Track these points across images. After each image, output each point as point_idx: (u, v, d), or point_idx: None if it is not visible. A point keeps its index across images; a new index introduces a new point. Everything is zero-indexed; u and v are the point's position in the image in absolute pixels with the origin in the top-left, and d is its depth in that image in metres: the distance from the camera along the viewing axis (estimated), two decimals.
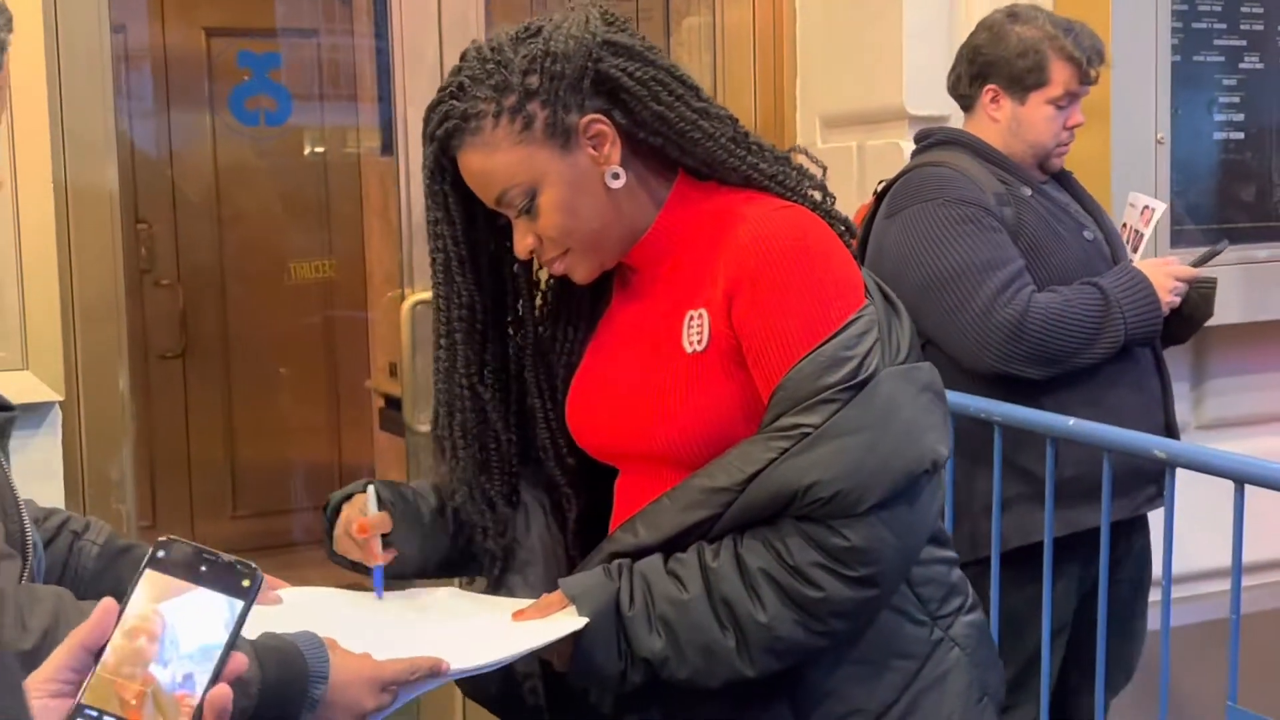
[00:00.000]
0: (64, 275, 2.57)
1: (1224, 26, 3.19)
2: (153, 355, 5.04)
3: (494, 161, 1.44)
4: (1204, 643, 2.77)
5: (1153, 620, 2.61)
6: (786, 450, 1.36)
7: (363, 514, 1.55)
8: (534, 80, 1.42)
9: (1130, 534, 2.64)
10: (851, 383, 1.37)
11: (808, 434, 1.36)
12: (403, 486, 1.63)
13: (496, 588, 1.59)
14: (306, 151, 5.23)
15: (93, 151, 2.61)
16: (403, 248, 2.99)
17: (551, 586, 1.48)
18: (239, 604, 0.92)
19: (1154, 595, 2.64)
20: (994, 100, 2.61)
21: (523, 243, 1.49)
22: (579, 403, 1.59)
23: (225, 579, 0.92)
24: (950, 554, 1.56)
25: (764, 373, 1.41)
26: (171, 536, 0.94)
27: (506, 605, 1.48)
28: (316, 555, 5.59)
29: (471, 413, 1.57)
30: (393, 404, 4.49)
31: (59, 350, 2.54)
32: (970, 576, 1.64)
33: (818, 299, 1.40)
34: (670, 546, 1.43)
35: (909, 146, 2.91)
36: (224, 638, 0.91)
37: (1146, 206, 2.71)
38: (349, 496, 1.60)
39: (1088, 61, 2.56)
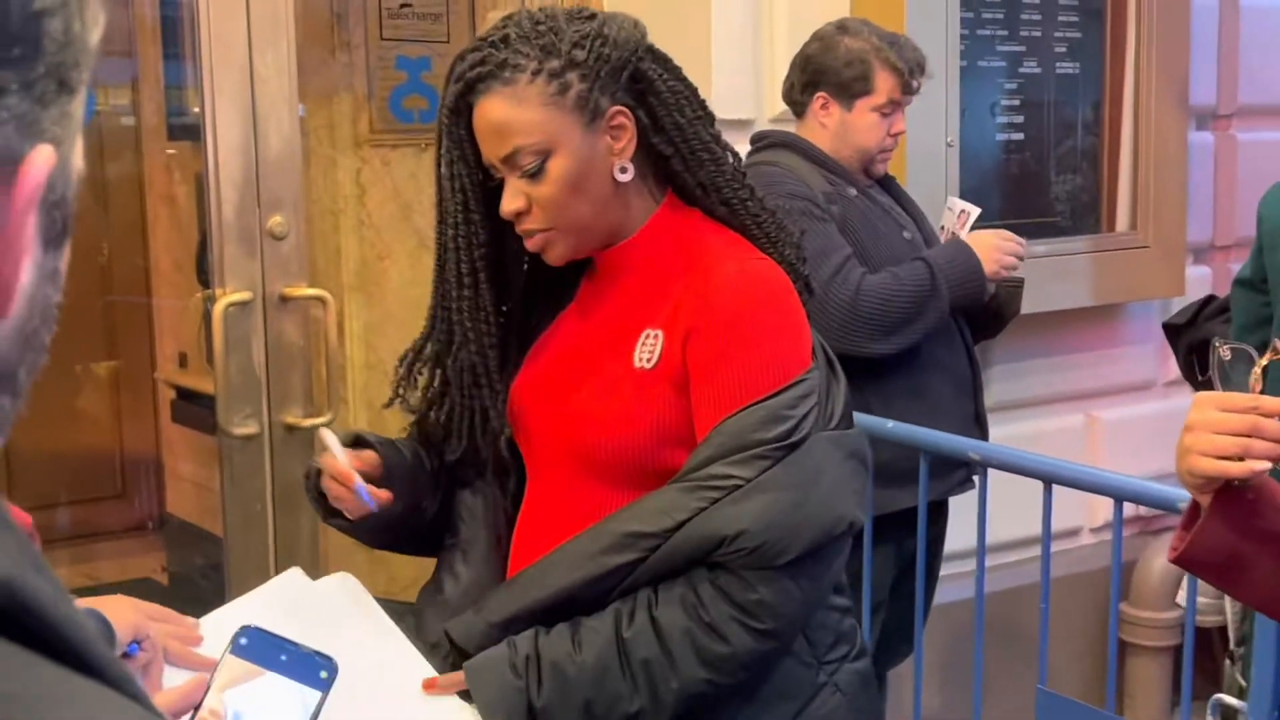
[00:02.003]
0: None
1: (1005, 33, 3.38)
2: None
3: (518, 114, 1.47)
4: (1000, 610, 2.96)
5: (963, 591, 2.80)
6: (717, 500, 1.43)
7: (333, 457, 1.57)
8: (581, 54, 1.47)
9: (939, 518, 2.82)
10: (785, 442, 1.45)
11: (739, 485, 1.43)
12: (379, 438, 1.67)
13: (443, 558, 1.64)
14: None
15: None
16: (213, 247, 2.92)
17: (489, 569, 1.57)
18: (315, 694, 0.93)
19: (962, 567, 2.83)
20: (824, 107, 2.75)
21: (512, 203, 1.51)
22: (524, 384, 1.63)
23: (302, 668, 0.94)
24: (845, 602, 1.65)
25: (704, 412, 1.47)
26: (251, 625, 0.95)
27: (413, 661, 1.49)
28: (100, 548, 5.38)
29: (493, 349, 1.60)
30: (187, 397, 4.39)
31: None
32: None
33: (771, 356, 1.48)
34: (593, 585, 1.47)
35: None
36: None
37: (963, 210, 2.89)
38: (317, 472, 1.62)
39: (909, 72, 2.74)
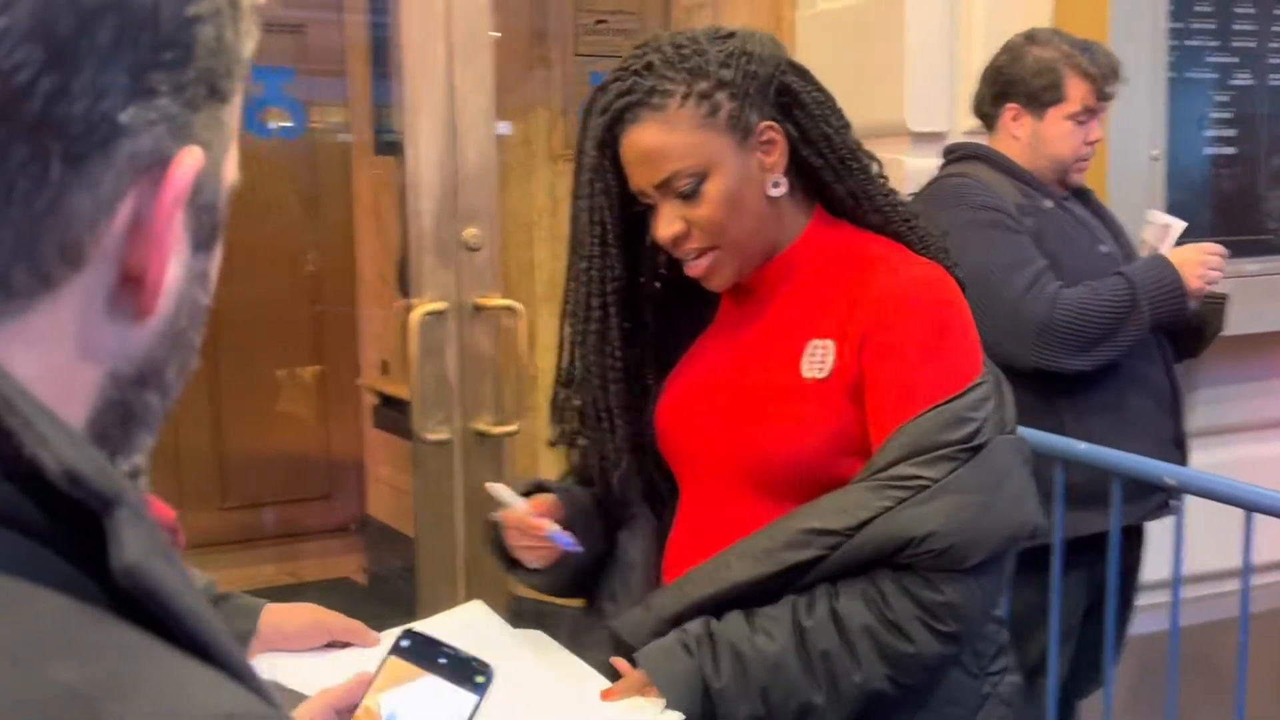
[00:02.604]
0: None
1: (1216, 44, 3.25)
2: None
3: (672, 140, 1.47)
4: (1196, 643, 2.85)
5: (1158, 622, 2.69)
6: (903, 500, 1.41)
7: (511, 510, 1.57)
8: (728, 73, 1.47)
9: (1134, 544, 2.72)
10: (970, 444, 1.44)
11: (926, 486, 1.41)
12: (558, 484, 1.68)
13: (599, 591, 1.64)
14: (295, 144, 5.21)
15: None
16: (412, 256, 3.01)
17: (643, 591, 1.54)
18: (472, 698, 0.96)
19: (1158, 597, 2.73)
20: (1015, 118, 2.70)
21: (670, 227, 1.51)
22: (675, 403, 1.62)
23: (460, 672, 0.97)
24: (1001, 615, 1.62)
25: (883, 415, 1.46)
26: (413, 629, 0.99)
27: (590, 677, 1.48)
28: (304, 548, 5.56)
29: (621, 384, 1.61)
30: (388, 403, 4.53)
31: None
32: None
33: (950, 359, 1.47)
34: (768, 583, 1.46)
35: (911, 161, 2.97)
36: None
37: (1165, 224, 2.80)
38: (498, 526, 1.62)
39: (1103, 78, 2.66)
